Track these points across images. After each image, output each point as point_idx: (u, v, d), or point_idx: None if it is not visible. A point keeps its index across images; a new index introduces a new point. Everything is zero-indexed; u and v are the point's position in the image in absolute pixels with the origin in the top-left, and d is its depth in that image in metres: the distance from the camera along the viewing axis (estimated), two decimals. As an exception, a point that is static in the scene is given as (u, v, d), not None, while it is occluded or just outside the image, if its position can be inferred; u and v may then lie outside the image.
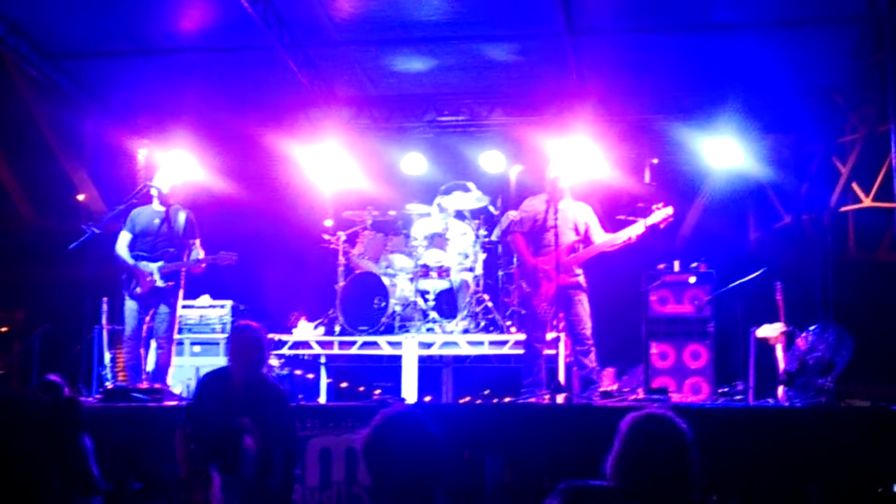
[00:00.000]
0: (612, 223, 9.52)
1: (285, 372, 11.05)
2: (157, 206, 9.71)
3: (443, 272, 10.84)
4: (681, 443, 3.56)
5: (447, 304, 11.04)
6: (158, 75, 11.82)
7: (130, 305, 9.52)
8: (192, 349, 10.91)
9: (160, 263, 9.49)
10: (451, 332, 10.62)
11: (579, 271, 9.39)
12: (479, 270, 11.00)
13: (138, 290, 9.46)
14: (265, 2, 10.02)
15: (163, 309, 9.51)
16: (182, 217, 9.71)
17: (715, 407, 8.50)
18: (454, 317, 10.82)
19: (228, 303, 11.13)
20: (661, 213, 9.29)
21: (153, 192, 9.70)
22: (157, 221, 9.65)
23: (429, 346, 10.54)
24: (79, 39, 11.06)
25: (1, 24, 10.37)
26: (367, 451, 3.48)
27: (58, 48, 11.21)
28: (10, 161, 13.24)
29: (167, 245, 9.61)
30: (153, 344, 9.54)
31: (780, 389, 8.92)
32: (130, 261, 9.51)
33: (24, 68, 11.24)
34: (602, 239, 9.40)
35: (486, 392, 10.27)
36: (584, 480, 3.60)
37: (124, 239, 9.64)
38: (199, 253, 9.67)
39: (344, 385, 11.76)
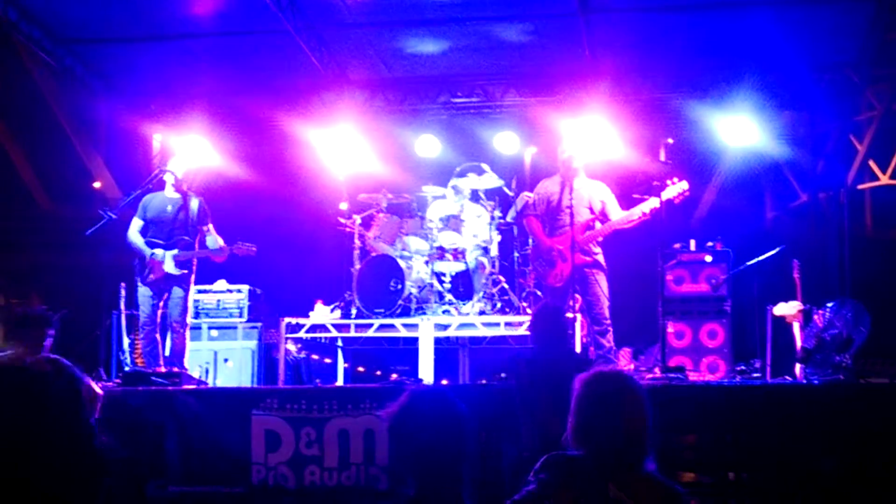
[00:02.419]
0: (627, 202, 9.49)
1: (302, 356, 11.09)
2: (169, 192, 9.71)
3: (458, 254, 10.83)
4: (630, 399, 3.54)
5: (463, 285, 11.04)
6: (172, 60, 11.83)
7: (144, 292, 9.55)
8: (210, 333, 10.96)
9: (175, 251, 9.51)
10: (468, 314, 10.61)
11: (597, 250, 9.37)
12: (494, 252, 10.99)
13: (151, 276, 9.48)
14: (278, -15, 10.02)
15: (176, 293, 9.54)
16: (195, 204, 9.72)
17: (732, 385, 8.50)
18: (470, 298, 10.82)
19: (245, 287, 11.17)
20: (677, 188, 9.21)
21: (167, 177, 9.71)
22: (170, 208, 9.65)
23: (445, 327, 10.54)
24: (92, 25, 11.06)
25: (13, 9, 10.37)
26: (393, 427, 3.45)
27: (71, 34, 11.22)
28: (25, 147, 13.26)
29: (182, 233, 9.62)
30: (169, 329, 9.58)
31: (798, 367, 8.92)
32: (145, 248, 9.53)
33: (37, 54, 11.24)
34: (618, 216, 9.37)
35: (501, 375, 10.26)
36: (565, 451, 3.61)
37: (136, 225, 9.66)
38: (217, 240, 9.67)
39: (361, 369, 11.78)
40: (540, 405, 6.68)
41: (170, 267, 9.44)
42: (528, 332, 10.20)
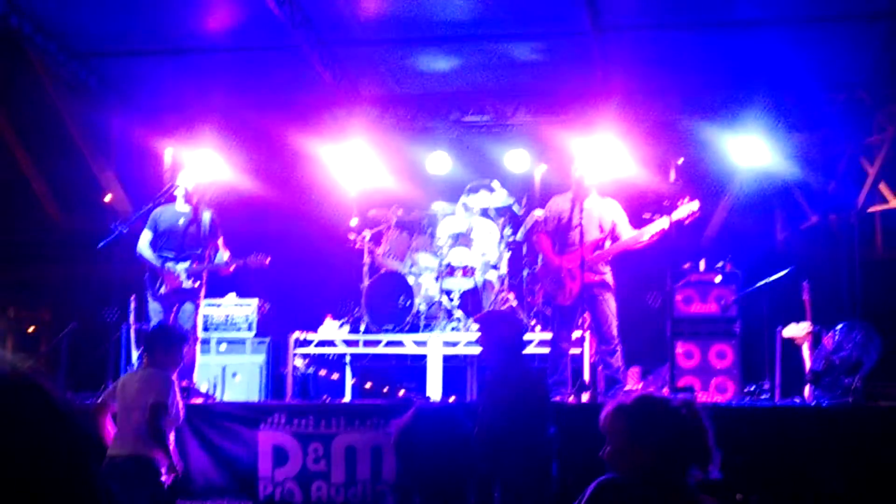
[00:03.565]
0: (637, 222, 9.48)
1: (311, 371, 11.09)
2: (180, 205, 9.72)
3: (467, 271, 10.83)
4: (667, 419, 3.44)
5: (472, 303, 11.04)
6: (185, 75, 11.89)
7: (154, 307, 9.54)
8: (219, 347, 10.95)
9: (187, 264, 9.52)
10: (476, 332, 10.60)
11: (606, 269, 9.35)
12: (503, 270, 10.99)
13: (163, 290, 9.47)
14: (291, 1, 10.05)
15: (187, 306, 9.54)
16: (207, 217, 9.72)
17: (741, 406, 8.47)
18: (479, 315, 10.81)
19: (254, 301, 11.18)
20: (687, 208, 9.16)
21: (178, 191, 9.73)
22: (182, 221, 9.65)
23: (453, 344, 10.53)
24: (106, 38, 11.12)
25: (28, 22, 10.41)
26: (400, 443, 3.44)
27: (85, 47, 11.27)
28: (38, 160, 13.35)
29: (193, 246, 9.62)
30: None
31: (807, 389, 8.88)
32: (155, 261, 9.52)
33: (51, 67, 11.31)
34: (628, 235, 9.35)
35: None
36: (612, 477, 3.55)
37: (146, 238, 9.62)
38: (223, 255, 9.69)
39: (368, 386, 11.77)
40: (486, 411, 6.59)
41: (183, 279, 9.44)
42: (534, 351, 10.24)
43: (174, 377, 7.13)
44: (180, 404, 7.10)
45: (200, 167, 10.63)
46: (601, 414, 3.51)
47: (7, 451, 1.64)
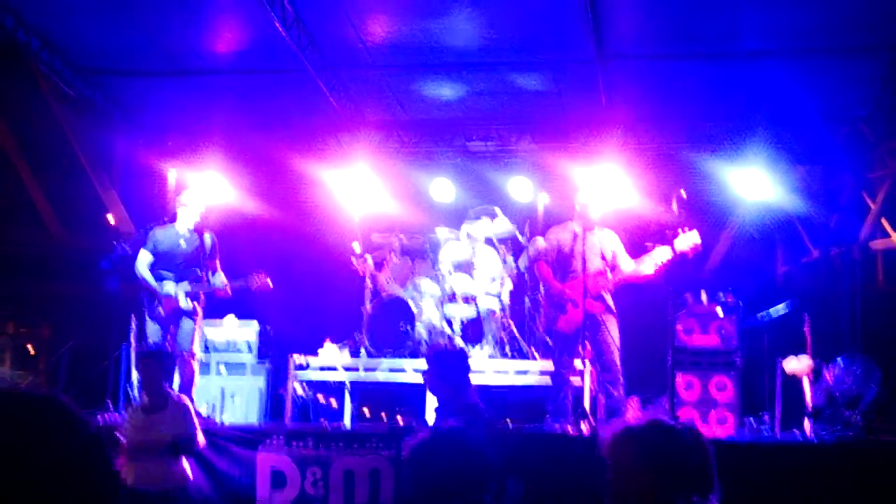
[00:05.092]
0: (639, 251, 9.49)
1: (310, 394, 11.07)
2: (180, 227, 9.74)
3: (469, 298, 10.84)
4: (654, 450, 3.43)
5: (473, 330, 11.03)
6: (191, 95, 11.94)
7: (153, 328, 9.55)
8: (219, 369, 10.94)
9: (185, 285, 9.52)
10: (477, 359, 10.59)
11: (609, 298, 9.36)
12: (505, 298, 10.99)
13: (160, 310, 9.49)
14: (299, 25, 10.09)
15: (185, 324, 9.54)
16: (208, 238, 9.74)
17: (741, 439, 8.46)
18: (480, 343, 10.80)
19: (255, 324, 11.17)
20: (688, 239, 9.10)
21: (180, 211, 9.75)
22: (182, 242, 9.68)
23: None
24: (113, 56, 11.14)
25: (34, 38, 10.43)
26: (412, 461, 3.40)
27: (92, 64, 11.29)
28: (40, 177, 13.33)
29: (192, 266, 9.64)
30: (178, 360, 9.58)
31: (807, 422, 8.87)
32: (153, 281, 9.54)
33: (57, 84, 11.31)
34: (629, 268, 9.35)
35: (507, 420, 10.21)
36: None
37: (145, 258, 9.64)
38: (220, 277, 9.69)
39: (366, 411, 11.73)
40: None
41: (182, 301, 9.45)
42: (535, 380, 10.22)
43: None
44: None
45: (203, 188, 10.65)
46: (606, 437, 3.50)
47: (30, 467, 1.65)
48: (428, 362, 6.78)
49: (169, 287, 9.49)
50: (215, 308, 10.30)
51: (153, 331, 9.54)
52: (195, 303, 9.57)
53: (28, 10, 10.05)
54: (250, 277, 9.63)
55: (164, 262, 9.64)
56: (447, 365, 6.68)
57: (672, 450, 3.38)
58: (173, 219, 9.86)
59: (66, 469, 1.72)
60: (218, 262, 9.78)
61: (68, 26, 10.44)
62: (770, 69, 10.56)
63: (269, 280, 9.68)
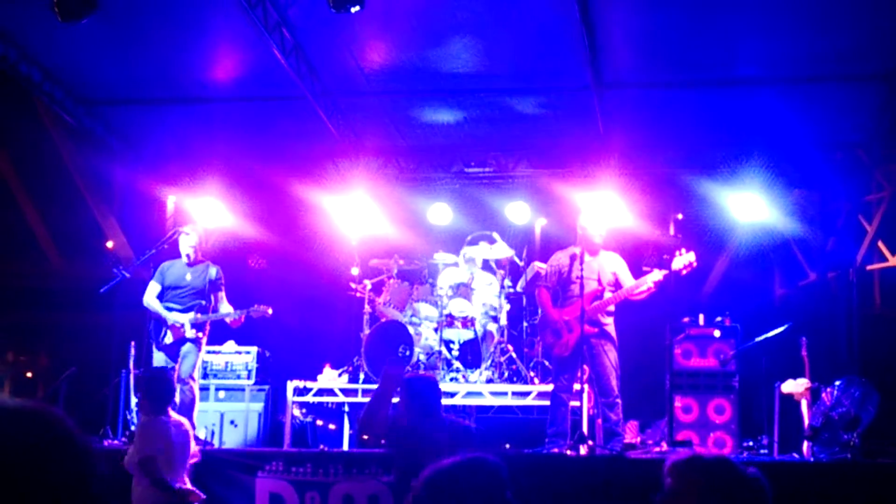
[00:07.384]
0: (637, 274, 9.53)
1: (309, 419, 11.07)
2: (187, 260, 9.95)
3: (467, 322, 10.87)
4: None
5: (471, 354, 11.06)
6: (190, 123, 11.99)
7: (159, 357, 9.74)
8: (217, 395, 10.96)
9: (192, 315, 9.66)
10: (475, 382, 10.61)
11: (607, 321, 9.38)
12: (503, 321, 11.02)
13: (168, 339, 9.65)
14: (297, 52, 10.17)
15: (189, 353, 9.62)
16: (213, 271, 9.95)
17: (739, 461, 8.46)
18: (478, 367, 10.83)
19: (254, 349, 11.19)
20: (684, 259, 9.23)
21: (182, 244, 9.87)
22: (189, 276, 9.91)
23: (452, 395, 10.51)
24: (113, 86, 11.23)
25: (36, 70, 10.51)
26: (432, 485, 3.24)
27: (92, 94, 11.36)
28: (40, 205, 13.40)
29: (199, 297, 9.85)
30: (178, 386, 9.61)
31: (805, 444, 8.88)
32: (163, 311, 9.74)
33: (58, 114, 11.37)
34: (626, 285, 9.40)
35: (506, 445, 10.21)
36: None
37: (154, 290, 9.88)
38: (227, 308, 9.84)
39: (365, 438, 11.71)
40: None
41: (188, 330, 9.59)
42: (533, 402, 10.22)
43: (170, 417, 7.24)
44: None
45: (203, 217, 10.73)
46: (674, 459, 3.56)
47: (27, 480, 1.68)
48: (403, 391, 6.84)
49: (176, 317, 9.63)
50: (215, 333, 10.33)
51: (159, 359, 9.71)
52: (200, 333, 9.68)
53: (31, 43, 10.15)
54: (251, 309, 9.73)
55: (172, 294, 9.88)
56: (416, 391, 6.77)
57: (735, 489, 3.47)
58: (175, 248, 9.97)
59: (57, 480, 1.75)
60: (223, 293, 9.92)
61: (69, 58, 10.52)
62: (766, 96, 10.63)
63: (269, 310, 9.77)
